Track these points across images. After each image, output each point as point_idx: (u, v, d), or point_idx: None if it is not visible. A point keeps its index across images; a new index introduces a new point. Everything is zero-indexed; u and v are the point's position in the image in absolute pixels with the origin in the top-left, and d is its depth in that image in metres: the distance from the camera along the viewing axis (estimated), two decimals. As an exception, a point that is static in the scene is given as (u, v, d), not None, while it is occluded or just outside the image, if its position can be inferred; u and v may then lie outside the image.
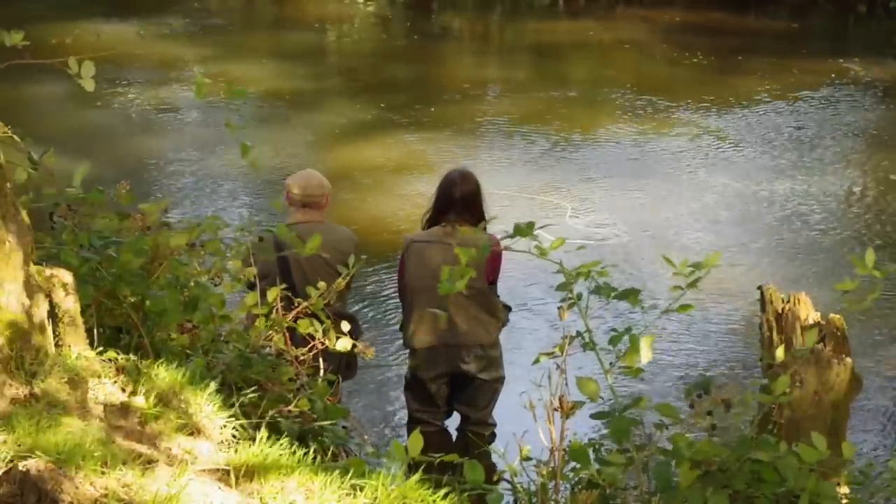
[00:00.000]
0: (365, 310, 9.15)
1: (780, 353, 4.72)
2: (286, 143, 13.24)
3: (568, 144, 13.47)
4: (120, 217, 5.11)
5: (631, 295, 4.48)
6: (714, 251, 9.95)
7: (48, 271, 4.28)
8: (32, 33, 4.38)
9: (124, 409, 4.13)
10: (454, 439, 7.14)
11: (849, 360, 4.92)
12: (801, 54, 17.88)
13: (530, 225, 4.53)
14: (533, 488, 4.70)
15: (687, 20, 20.24)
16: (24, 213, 4.12)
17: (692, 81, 16.33)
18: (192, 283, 5.19)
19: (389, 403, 7.82)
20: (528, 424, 4.70)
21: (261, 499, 3.90)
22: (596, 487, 4.43)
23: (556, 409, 4.64)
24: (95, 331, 4.59)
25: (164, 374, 4.39)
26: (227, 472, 3.96)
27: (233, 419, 4.41)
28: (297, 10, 20.91)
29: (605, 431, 4.51)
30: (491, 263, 6.85)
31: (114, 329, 4.91)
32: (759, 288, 5.47)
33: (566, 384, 4.62)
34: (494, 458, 5.49)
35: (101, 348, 4.47)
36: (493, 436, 7.08)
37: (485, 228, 6.87)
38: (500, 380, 7.06)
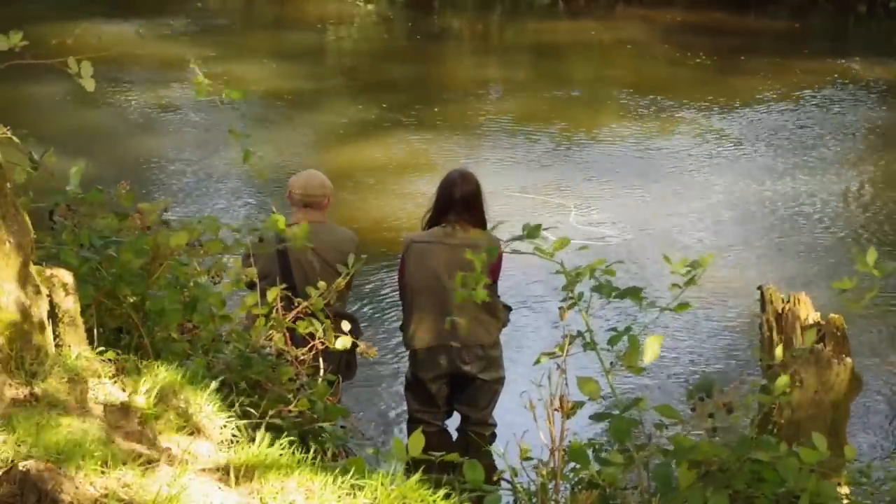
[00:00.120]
0: (365, 309, 9.15)
1: (778, 352, 4.73)
2: (288, 143, 13.24)
3: (571, 144, 13.47)
4: (119, 217, 5.11)
5: (632, 293, 4.48)
6: (716, 251, 10.08)
7: (48, 271, 4.28)
8: (33, 33, 4.38)
9: (124, 409, 4.13)
10: (454, 439, 7.14)
11: (849, 360, 4.92)
12: (802, 54, 17.88)
13: (537, 227, 4.54)
14: (533, 488, 4.70)
15: (687, 20, 20.24)
16: (24, 213, 4.12)
17: (694, 81, 16.33)
18: (192, 283, 5.19)
19: (389, 403, 7.82)
20: (528, 424, 4.70)
21: (261, 499, 3.90)
22: (596, 487, 4.43)
23: (556, 410, 4.64)
24: (95, 331, 4.59)
25: (164, 374, 4.39)
26: (227, 472, 3.96)
27: (233, 419, 4.41)
28: (297, 10, 20.91)
29: (605, 431, 4.50)
30: (492, 265, 6.85)
31: (114, 329, 4.91)
32: (759, 288, 5.47)
33: (566, 384, 4.62)
34: (494, 458, 5.49)
35: (101, 348, 4.47)
36: (493, 436, 7.08)
37: (487, 228, 6.89)
38: (501, 380, 7.05)
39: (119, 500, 3.61)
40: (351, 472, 4.10)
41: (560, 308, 4.63)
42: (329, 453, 4.78)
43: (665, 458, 4.40)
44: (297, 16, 20.61)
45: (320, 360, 5.59)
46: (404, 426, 7.30)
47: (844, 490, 4.57)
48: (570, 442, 4.60)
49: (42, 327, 4.10)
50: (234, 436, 4.34)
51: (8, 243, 3.97)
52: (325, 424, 5.03)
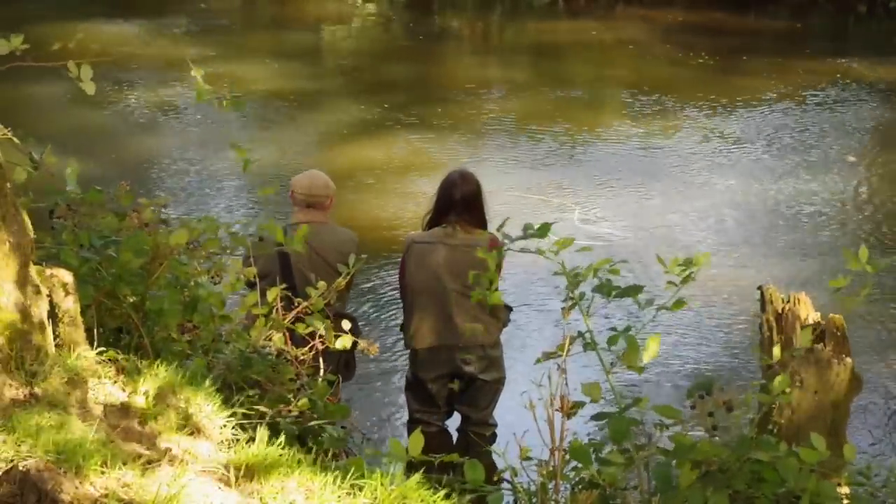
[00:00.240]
0: (365, 309, 9.15)
1: (776, 352, 4.73)
2: (289, 143, 13.24)
3: (573, 144, 13.48)
4: (119, 217, 5.11)
5: (632, 292, 4.48)
6: (718, 250, 10.08)
7: (48, 271, 4.28)
8: (34, 34, 4.39)
9: (124, 409, 4.13)
10: (455, 440, 7.13)
11: (849, 360, 4.92)
12: (803, 54, 17.89)
13: (547, 225, 4.54)
14: (533, 488, 4.70)
15: (687, 20, 20.25)
16: (24, 213, 4.12)
17: (696, 81, 16.33)
18: (192, 283, 5.19)
19: (389, 403, 7.82)
20: (528, 424, 4.70)
21: (261, 499, 3.91)
22: (596, 487, 4.43)
23: (557, 410, 4.64)
24: (95, 331, 4.59)
25: (164, 374, 4.39)
26: (227, 472, 3.96)
27: (233, 419, 4.41)
28: (297, 11, 20.91)
29: (605, 431, 4.51)
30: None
31: (114, 329, 4.91)
32: (760, 288, 5.47)
33: (566, 384, 4.62)
34: (494, 458, 5.49)
35: (101, 348, 4.47)
36: (493, 436, 7.07)
37: (488, 228, 6.89)
38: (501, 380, 7.05)
39: (119, 500, 3.61)
40: (351, 472, 4.10)
41: (562, 308, 4.63)
42: (329, 453, 4.78)
43: (665, 458, 4.40)
44: (298, 16, 20.62)
45: (320, 359, 5.59)
46: (404, 426, 7.30)
47: (844, 490, 4.57)
48: (570, 442, 4.60)
49: (42, 327, 4.10)
50: (234, 436, 4.33)
51: (8, 243, 3.97)
52: (326, 424, 5.03)
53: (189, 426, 4.22)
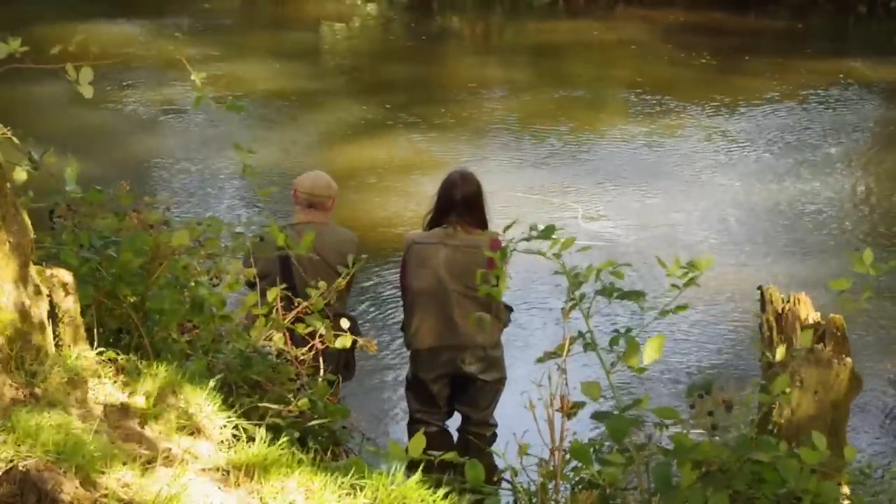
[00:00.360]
0: (366, 308, 9.15)
1: (780, 352, 4.72)
2: (292, 143, 13.25)
3: (576, 144, 13.49)
4: (119, 217, 5.11)
5: (634, 296, 4.48)
6: (721, 250, 10.09)
7: (48, 271, 4.28)
8: (35, 34, 4.39)
9: (124, 409, 4.13)
10: (455, 440, 7.13)
11: (849, 360, 4.91)
12: (805, 54, 17.90)
13: (550, 228, 4.55)
14: (533, 488, 4.70)
15: (688, 20, 20.25)
16: (24, 213, 4.12)
17: (698, 81, 16.35)
18: (192, 283, 5.19)
19: (390, 403, 7.83)
20: (528, 424, 4.70)
21: (261, 499, 3.91)
22: (596, 487, 4.43)
23: (557, 411, 4.64)
24: (95, 331, 4.59)
25: (164, 374, 4.39)
26: (227, 472, 3.96)
27: (233, 419, 4.41)
28: (298, 10, 20.92)
29: (605, 431, 4.51)
30: (492, 263, 6.83)
31: (114, 329, 4.91)
32: (760, 288, 5.47)
33: (566, 384, 4.62)
34: (495, 458, 5.48)
35: (101, 348, 4.47)
36: (494, 436, 7.07)
37: (489, 228, 6.89)
38: (502, 381, 7.04)
39: (119, 500, 3.61)
40: (351, 472, 4.10)
41: (563, 308, 4.63)
42: (329, 453, 4.78)
43: (665, 458, 4.40)
44: (298, 16, 20.62)
45: (320, 360, 5.59)
46: (405, 426, 7.30)
47: (845, 490, 4.57)
48: (570, 442, 4.60)
49: (42, 327, 4.10)
50: (234, 436, 4.33)
51: (8, 243, 3.97)
52: (326, 423, 5.03)
53: (189, 426, 4.22)
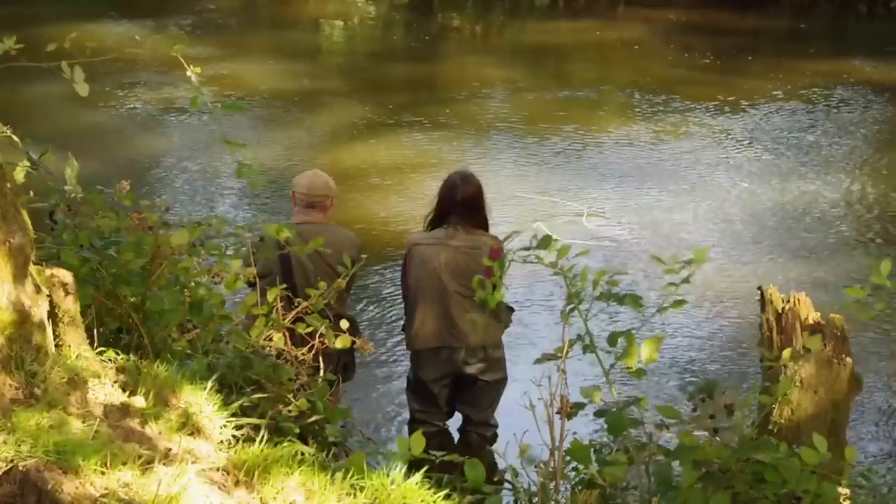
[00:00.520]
0: (367, 308, 9.15)
1: (785, 355, 4.73)
2: (295, 143, 13.26)
3: (582, 144, 13.50)
4: (119, 217, 5.11)
5: (630, 301, 4.48)
6: (726, 251, 10.07)
7: (48, 271, 4.28)
8: (35, 34, 4.39)
9: (124, 409, 4.12)
10: (456, 440, 7.13)
11: (849, 360, 4.91)
12: (807, 54, 17.91)
13: (548, 238, 4.55)
14: (533, 488, 4.70)
15: (689, 20, 20.27)
16: (24, 213, 4.12)
17: (702, 82, 16.37)
18: (192, 284, 5.19)
19: (390, 404, 7.82)
20: (529, 424, 4.70)
21: (261, 499, 3.90)
22: (596, 487, 4.43)
23: (557, 412, 4.64)
24: (95, 331, 4.59)
25: (164, 374, 4.39)
26: (227, 472, 3.96)
27: (233, 419, 4.41)
28: (298, 11, 20.94)
29: (604, 430, 4.51)
30: (490, 271, 6.83)
31: (114, 329, 4.91)
32: (759, 288, 5.46)
33: (566, 384, 4.61)
34: (495, 457, 5.49)
35: (101, 348, 4.47)
36: (494, 436, 7.07)
37: (489, 229, 6.89)
38: (503, 381, 7.04)
39: (119, 500, 3.61)
40: (351, 472, 4.10)
41: (562, 312, 4.63)
42: (329, 453, 4.78)
43: (666, 459, 4.40)
44: (299, 16, 20.64)
45: (320, 360, 5.59)
46: (405, 426, 7.30)
47: (845, 491, 4.57)
48: (570, 442, 4.60)
49: (42, 327, 4.09)
50: (234, 436, 4.33)
51: (8, 243, 3.97)
52: (326, 423, 5.03)
53: (189, 426, 4.22)
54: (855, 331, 5.96)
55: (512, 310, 7.21)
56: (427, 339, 6.90)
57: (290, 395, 5.04)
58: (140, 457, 3.84)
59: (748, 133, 14.01)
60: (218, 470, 3.97)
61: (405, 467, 4.18)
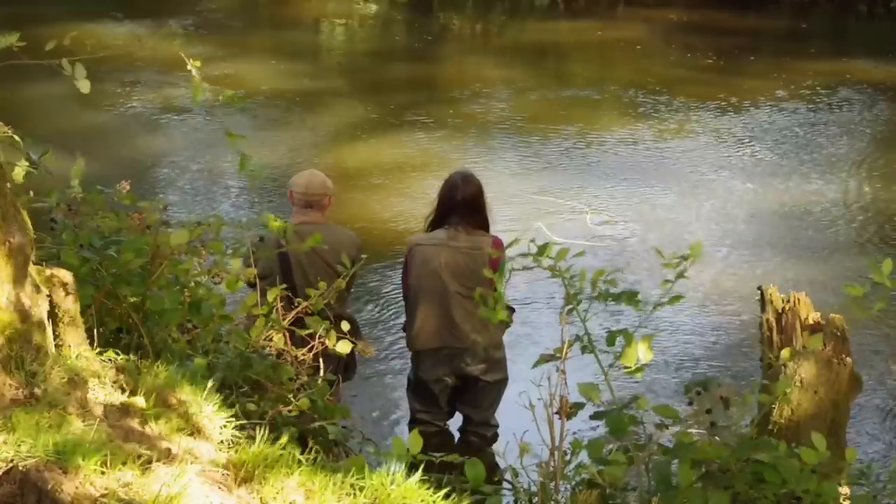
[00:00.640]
0: (368, 309, 9.15)
1: (784, 354, 4.73)
2: (297, 144, 13.26)
3: (584, 145, 13.50)
4: (119, 217, 5.11)
5: (627, 298, 4.49)
6: (728, 250, 10.06)
7: (48, 271, 4.28)
8: (35, 33, 4.38)
9: (124, 409, 4.13)
10: (456, 440, 7.13)
11: (849, 359, 4.92)
12: (809, 54, 17.91)
13: (546, 245, 4.56)
14: (533, 488, 4.70)
15: (690, 20, 20.27)
16: (24, 213, 4.12)
17: (704, 82, 16.36)
18: (192, 284, 5.19)
19: (391, 404, 7.82)
20: (529, 424, 4.70)
21: (261, 499, 3.90)
22: (596, 487, 4.43)
23: (556, 413, 4.64)
24: (95, 331, 4.59)
25: (164, 374, 4.39)
26: (227, 472, 3.96)
27: (233, 419, 4.41)
28: (299, 10, 20.93)
29: (604, 430, 4.51)
30: (494, 265, 6.84)
31: (114, 329, 4.91)
32: (759, 288, 5.47)
33: (566, 384, 4.61)
34: (496, 457, 5.48)
35: (101, 348, 4.47)
36: (495, 436, 7.07)
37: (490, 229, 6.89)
38: (504, 381, 7.04)
39: (119, 500, 3.61)
40: (351, 472, 4.10)
41: (560, 313, 4.63)
42: (329, 453, 4.78)
43: (665, 458, 4.40)
44: (300, 15, 20.64)
45: (320, 360, 5.59)
46: (406, 426, 7.30)
47: (845, 490, 4.57)
48: (570, 442, 4.60)
49: (42, 327, 4.10)
50: (234, 436, 4.33)
51: (8, 243, 3.97)
52: (326, 423, 5.03)
53: (189, 426, 4.22)
54: (855, 331, 5.96)
55: (513, 310, 7.21)
56: (428, 339, 6.89)
57: (290, 395, 5.04)
58: (140, 457, 3.84)
59: (750, 133, 14.01)
60: (218, 470, 3.97)
61: (405, 467, 4.18)
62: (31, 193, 5.00)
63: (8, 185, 4.10)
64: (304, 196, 6.96)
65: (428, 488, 4.17)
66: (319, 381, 5.37)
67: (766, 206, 11.62)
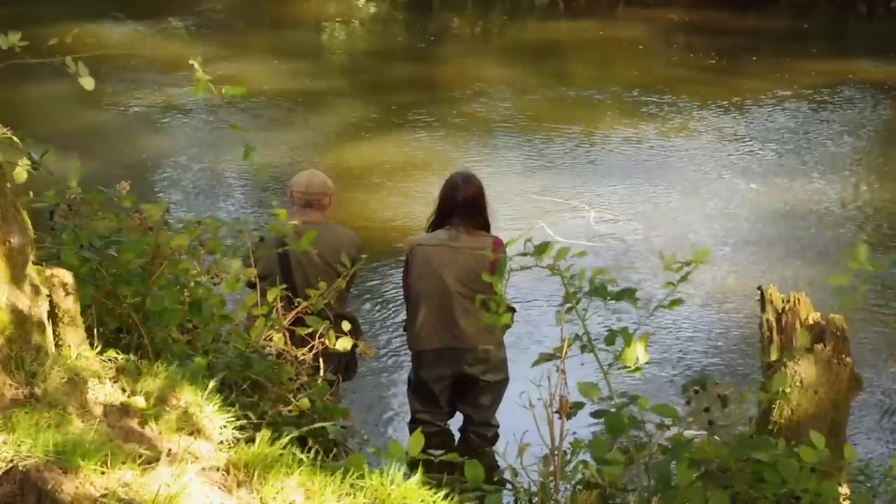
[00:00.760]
0: (369, 309, 9.15)
1: (774, 352, 4.73)
2: (299, 144, 13.27)
3: (587, 144, 13.50)
4: (119, 217, 5.11)
5: (626, 295, 4.49)
6: (730, 250, 10.06)
7: (48, 271, 4.28)
8: (36, 33, 4.38)
9: (124, 409, 4.13)
10: (456, 440, 7.13)
11: (849, 359, 4.91)
12: (810, 54, 17.92)
13: (546, 244, 4.56)
14: (533, 488, 4.70)
15: (690, 20, 20.29)
16: (24, 213, 4.12)
17: (706, 81, 16.38)
18: (192, 284, 5.19)
19: (391, 403, 7.83)
20: (529, 424, 4.70)
21: (261, 499, 3.90)
22: (596, 487, 4.42)
23: (556, 413, 4.64)
24: (95, 331, 4.59)
25: (164, 374, 4.39)
26: (227, 471, 3.96)
27: (233, 419, 4.41)
28: (300, 11, 20.95)
29: (604, 430, 4.51)
30: (493, 267, 6.83)
31: (114, 329, 4.91)
32: (759, 288, 5.46)
33: (566, 384, 4.61)
34: (496, 457, 5.48)
35: (100, 348, 4.47)
36: (495, 436, 7.07)
37: (491, 229, 6.89)
38: (505, 381, 7.04)
39: (119, 500, 3.61)
40: (351, 472, 4.10)
41: (557, 312, 4.63)
42: (329, 453, 4.78)
43: (665, 458, 4.40)
44: (300, 15, 20.65)
45: (320, 360, 5.58)
46: (406, 426, 7.30)
47: (845, 490, 4.57)
48: (570, 442, 4.60)
49: (42, 327, 4.10)
50: (234, 436, 4.33)
51: (8, 243, 3.97)
52: (326, 423, 5.03)
53: (189, 426, 4.22)
54: (855, 330, 5.96)
55: (514, 310, 7.21)
56: (428, 339, 6.90)
57: (290, 395, 5.04)
58: (140, 457, 3.84)
59: (753, 133, 14.02)
60: (218, 470, 3.97)
61: (405, 467, 4.18)
62: (31, 194, 5.00)
63: (8, 185, 4.10)
64: (304, 196, 6.96)
65: (428, 488, 4.17)
66: (319, 381, 5.37)
67: (768, 206, 11.63)
